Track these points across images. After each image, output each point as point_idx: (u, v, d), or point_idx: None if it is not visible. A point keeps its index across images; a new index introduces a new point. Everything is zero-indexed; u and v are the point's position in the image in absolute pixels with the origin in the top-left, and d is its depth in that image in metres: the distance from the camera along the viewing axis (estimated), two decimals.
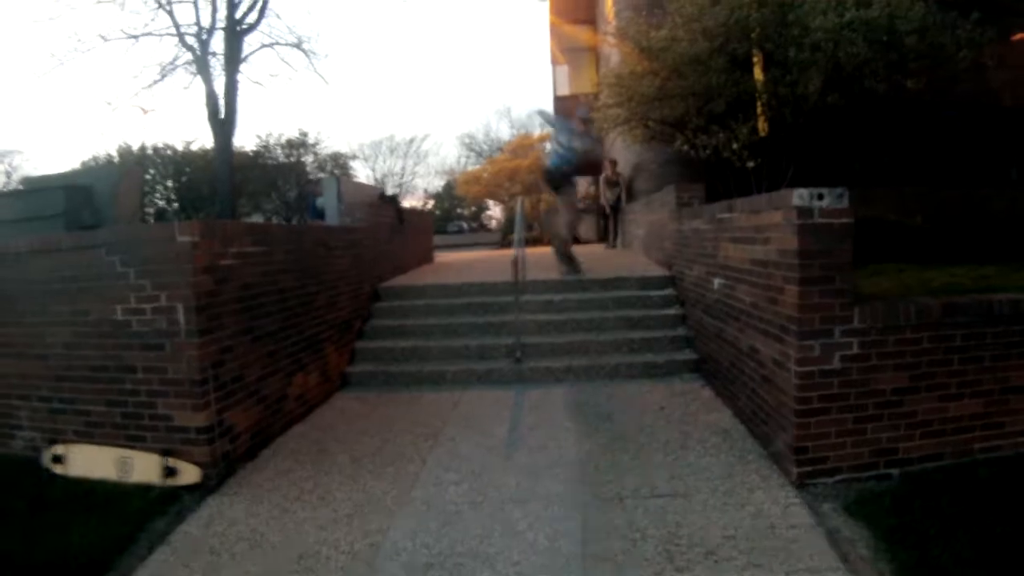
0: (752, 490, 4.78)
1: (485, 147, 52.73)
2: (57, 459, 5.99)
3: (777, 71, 9.70)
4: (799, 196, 4.65)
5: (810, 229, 4.64)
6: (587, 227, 27.85)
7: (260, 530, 4.67)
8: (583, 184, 32.57)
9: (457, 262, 15.90)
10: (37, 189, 9.34)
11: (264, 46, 26.23)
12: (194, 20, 22.38)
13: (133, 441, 5.72)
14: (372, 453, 5.99)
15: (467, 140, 56.76)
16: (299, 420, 7.04)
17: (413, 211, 17.66)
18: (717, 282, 6.75)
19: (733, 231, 6.20)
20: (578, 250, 12.58)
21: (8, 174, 45.08)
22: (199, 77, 22.19)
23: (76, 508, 5.16)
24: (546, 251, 12.80)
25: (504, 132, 52.28)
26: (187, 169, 30.75)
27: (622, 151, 16.88)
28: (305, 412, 7.23)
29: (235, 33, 22.12)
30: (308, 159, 31.18)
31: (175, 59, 22.64)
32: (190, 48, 22.06)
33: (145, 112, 27.55)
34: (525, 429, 6.37)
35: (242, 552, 4.38)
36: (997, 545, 3.80)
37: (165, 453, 5.55)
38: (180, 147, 31.56)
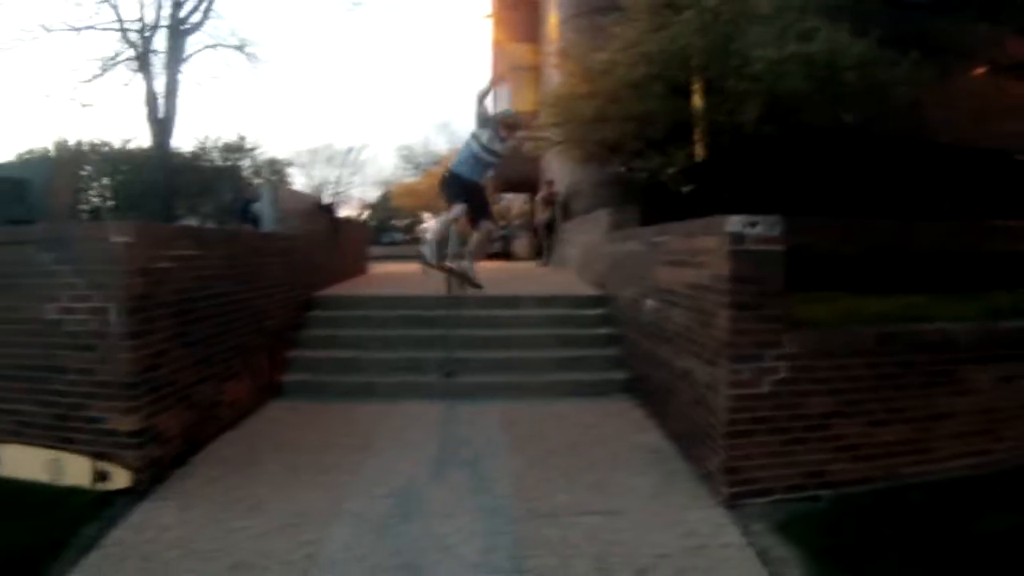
0: (684, 509, 4.82)
1: (422, 160, 52.77)
2: None
3: (716, 99, 9.89)
4: (733, 223, 4.77)
5: (743, 255, 4.76)
6: (521, 245, 27.99)
7: (193, 538, 4.60)
8: (518, 201, 32.71)
9: (392, 273, 15.87)
10: None
11: (207, 47, 25.94)
12: (138, 16, 22.07)
13: (64, 443, 5.60)
14: (305, 463, 5.95)
15: (405, 152, 56.64)
16: (231, 427, 6.96)
17: (349, 221, 17.60)
18: (650, 304, 6.86)
19: (667, 254, 6.33)
20: (512, 267, 12.67)
21: None
22: (140, 74, 21.89)
23: (5, 509, 5.08)
24: (483, 265, 12.81)
25: (442, 146, 52.26)
26: (124, 168, 30.13)
27: (559, 171, 17.04)
28: (237, 419, 7.16)
29: (178, 32, 21.87)
30: (245, 163, 30.79)
31: (117, 55, 22.20)
32: (132, 44, 21.75)
33: (84, 106, 27.05)
34: (457, 443, 6.41)
35: (175, 559, 4.31)
36: (925, 567, 3.92)
37: (96, 456, 5.46)
38: (117, 144, 30.96)
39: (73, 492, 5.32)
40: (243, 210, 10.78)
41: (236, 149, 30.79)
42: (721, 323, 4.92)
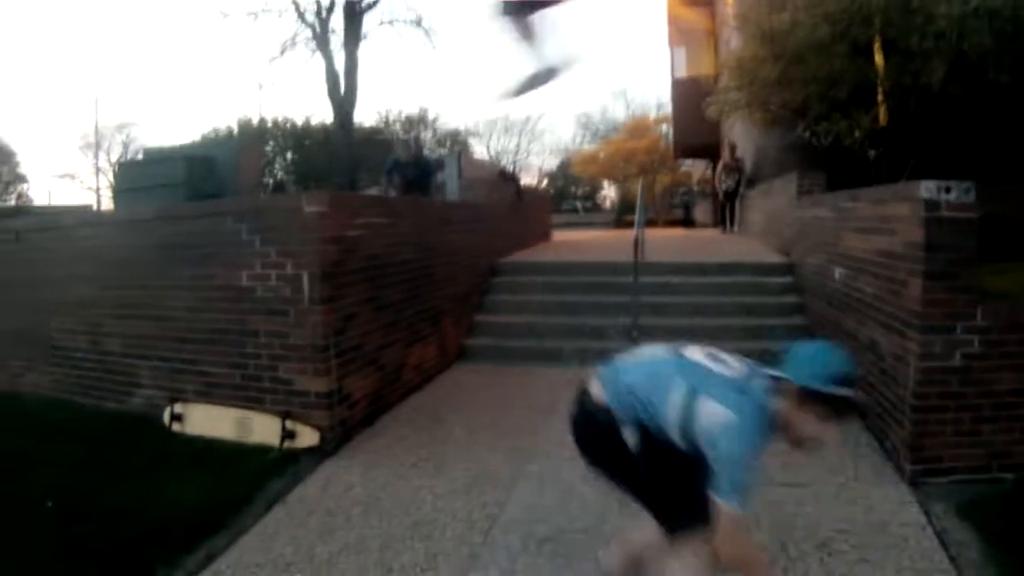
0: (866, 485, 4.73)
1: (601, 127, 52.46)
2: (176, 417, 6.23)
3: (899, 59, 9.48)
4: (927, 189, 4.59)
5: (936, 222, 4.57)
6: (703, 211, 27.60)
7: (376, 495, 4.77)
8: (699, 167, 32.19)
9: (573, 241, 15.99)
10: (158, 159, 9.73)
11: (383, 23, 26.51)
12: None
13: (252, 403, 5.90)
14: (488, 426, 6.07)
15: (583, 120, 56.46)
16: (417, 390, 7.14)
17: (531, 189, 17.70)
18: (838, 272, 6.67)
19: (856, 221, 6.14)
20: (694, 235, 12.53)
21: (126, 145, 46.83)
22: (318, 53, 22.57)
23: (194, 466, 5.36)
24: (664, 232, 12.64)
25: (620, 113, 51.76)
26: (306, 143, 31.32)
27: (741, 136, 16.66)
28: (423, 382, 7.34)
29: (354, 11, 22.42)
30: (427, 135, 31.49)
31: (295, 36, 23.04)
32: (310, 25, 22.46)
33: (261, 87, 28.29)
34: None
35: (358, 516, 4.47)
36: None
37: (284, 416, 5.68)
38: (299, 122, 32.16)
39: (260, 450, 5.58)
40: (389, 171, 10.91)
41: (417, 122, 31.51)
42: (912, 292, 4.76)
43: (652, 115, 41.23)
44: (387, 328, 6.67)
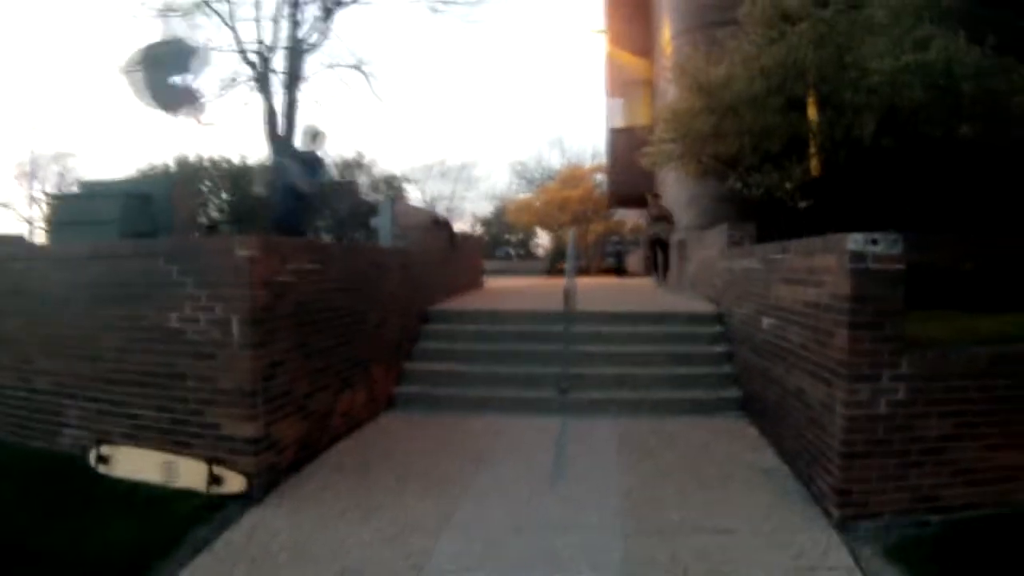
0: (795, 531, 4.75)
1: (536, 175, 53.01)
2: (103, 459, 6.10)
3: (832, 113, 9.76)
4: (854, 241, 4.70)
5: (863, 274, 4.69)
6: (636, 260, 27.88)
7: (303, 543, 4.72)
8: (632, 217, 32.56)
9: (506, 288, 16.02)
10: (94, 194, 9.56)
11: (325, 67, 26.46)
12: (257, 38, 22.63)
13: (180, 447, 5.81)
14: (417, 474, 6.03)
15: (518, 168, 57.05)
16: (344, 436, 7.09)
17: (464, 236, 17.73)
18: (766, 322, 6.78)
19: (785, 272, 6.24)
20: (626, 284, 12.64)
21: (62, 175, 46.14)
22: (258, 93, 22.49)
23: (120, 508, 5.26)
24: (596, 281, 12.69)
25: (555, 161, 52.42)
26: (242, 183, 31.09)
27: (675, 186, 16.93)
28: (351, 429, 7.28)
29: (297, 53, 22.33)
30: (363, 179, 31.50)
31: (236, 75, 22.89)
32: (251, 64, 22.34)
33: (203, 125, 28.07)
34: (569, 459, 6.40)
35: (284, 563, 4.43)
36: None
37: (211, 461, 5.61)
38: (236, 160, 31.89)
39: (187, 495, 5.48)
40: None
41: (354, 165, 31.45)
42: (839, 342, 4.87)
43: (587, 164, 41.88)
44: (316, 374, 6.61)
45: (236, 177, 30.18)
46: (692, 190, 15.38)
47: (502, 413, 7.77)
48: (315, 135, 10.23)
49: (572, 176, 38.96)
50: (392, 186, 32.18)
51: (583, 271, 24.31)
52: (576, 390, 8.01)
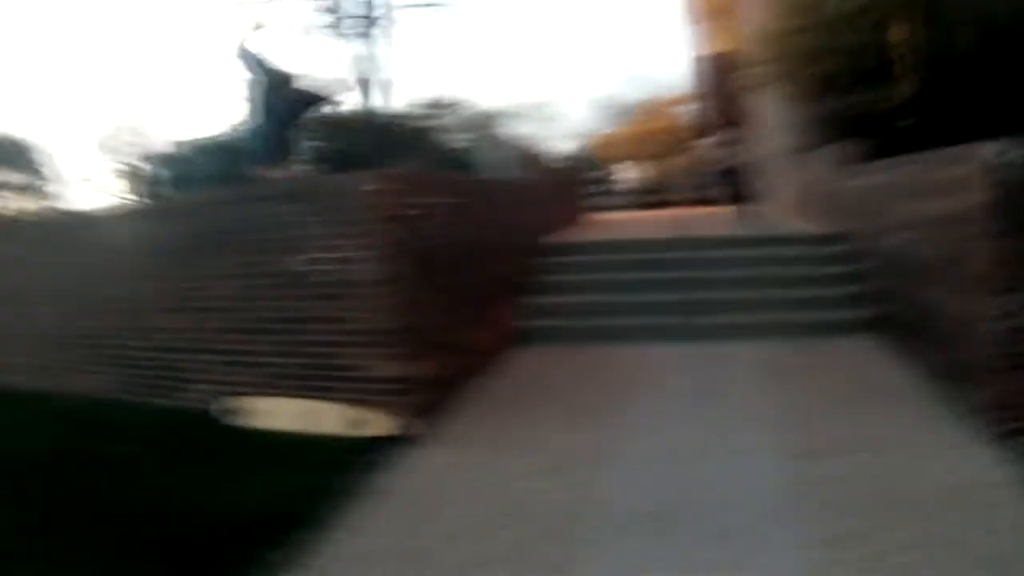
0: (948, 447, 4.65)
1: (617, 110, 52.38)
2: (235, 411, 6.09)
3: (931, 26, 9.48)
4: (990, 149, 4.60)
5: (1002, 182, 4.55)
6: (726, 189, 27.50)
7: (461, 480, 4.69)
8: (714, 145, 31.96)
9: (608, 221, 16.03)
10: (195, 150, 9.75)
11: (407, 6, 25.93)
12: None
13: (317, 392, 5.71)
14: (560, 407, 5.98)
15: (597, 104, 56.32)
16: (479, 373, 6.95)
17: (567, 170, 17.67)
18: (896, 238, 6.71)
19: (916, 186, 6.13)
20: (724, 211, 12.58)
21: (141, 145, 46.62)
22: (342, 40, 22.23)
23: (262, 460, 5.26)
24: (695, 211, 12.60)
25: (635, 95, 51.64)
26: (336, 130, 30.80)
27: (767, 109, 16.59)
28: (485, 365, 7.16)
29: None
30: (452, 120, 31.22)
31: (315, 22, 22.81)
32: (331, 10, 22.22)
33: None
34: (706, 384, 6.34)
35: (450, 500, 4.40)
36: None
37: (353, 404, 5.52)
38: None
39: (329, 441, 5.41)
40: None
41: (443, 106, 31.10)
42: (980, 254, 4.75)
43: (668, 95, 41.14)
44: (448, 310, 6.48)
45: (330, 124, 29.94)
46: (787, 113, 15.07)
47: (631, 342, 7.76)
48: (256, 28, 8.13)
49: (655, 108, 38.45)
50: (486, 125, 31.90)
51: (676, 202, 24.08)
52: (703, 315, 7.99)
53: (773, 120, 16.34)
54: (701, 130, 27.18)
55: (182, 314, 6.61)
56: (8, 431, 6.60)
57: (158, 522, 4.31)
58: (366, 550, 3.88)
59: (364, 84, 21.75)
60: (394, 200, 5.69)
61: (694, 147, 35.86)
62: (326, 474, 4.81)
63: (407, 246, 5.75)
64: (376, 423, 5.47)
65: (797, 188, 12.53)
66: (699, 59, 24.87)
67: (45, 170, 20.00)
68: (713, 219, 13.83)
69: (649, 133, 35.87)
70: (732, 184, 15.73)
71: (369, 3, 21.95)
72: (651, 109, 38.82)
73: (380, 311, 5.49)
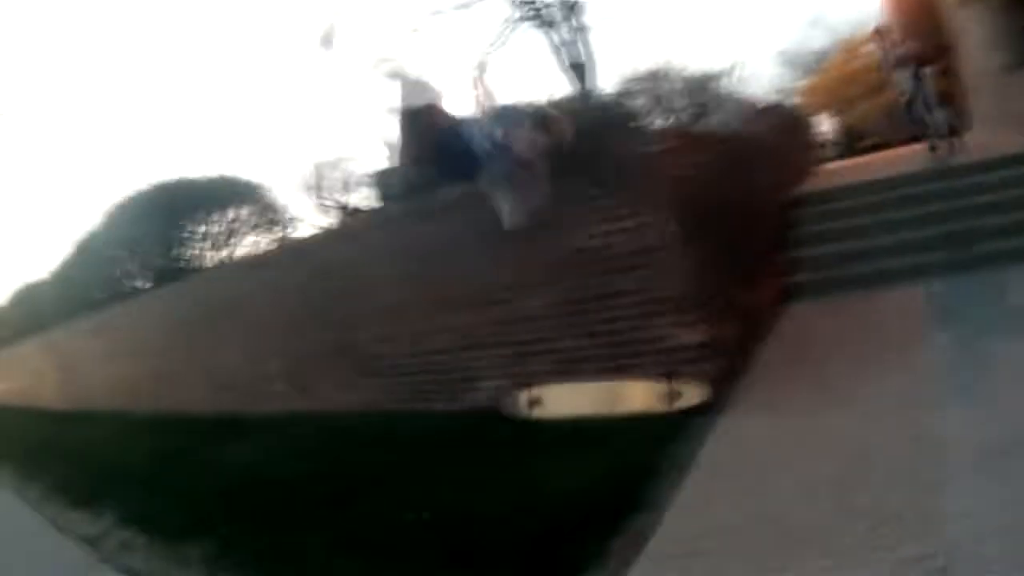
0: None
1: (803, 60, 50.41)
2: (529, 404, 6.03)
3: None
4: None
5: None
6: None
7: (780, 443, 4.57)
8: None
9: (836, 169, 16.27)
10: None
11: None
12: None
13: (618, 371, 5.61)
14: (851, 358, 5.77)
15: (785, 56, 54.21)
16: (764, 333, 6.79)
17: (789, 123, 17.53)
18: None
19: None
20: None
21: (344, 180, 47.80)
22: (540, 30, 21.74)
23: (572, 450, 5.16)
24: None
25: (818, 41, 49.43)
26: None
27: (975, 27, 15.98)
28: (768, 324, 7.00)
29: None
30: (668, 88, 30.54)
31: (517, 16, 21.83)
32: (527, 3, 21.75)
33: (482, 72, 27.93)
34: (996, 318, 6.07)
35: (776, 466, 4.30)
36: None
37: (660, 377, 5.37)
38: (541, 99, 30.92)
39: (642, 418, 5.33)
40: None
41: (659, 77, 30.54)
42: None
43: (859, 35, 39.46)
44: (731, 270, 6.35)
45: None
46: (999, 27, 14.55)
47: (902, 283, 7.53)
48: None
49: (849, 49, 37.07)
50: (702, 88, 31.19)
51: (885, 145, 23.26)
52: (970, 246, 7.70)
53: (982, 38, 15.76)
54: (898, 64, 26.11)
55: (455, 313, 6.69)
56: (299, 454, 7.05)
57: (490, 526, 4.33)
58: (710, 525, 3.79)
59: (575, 69, 21.39)
60: (680, 160, 5.76)
61: (893, 84, 34.42)
62: (644, 454, 4.74)
63: (692, 208, 5.64)
64: (687, 394, 5.35)
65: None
66: None
67: (270, 205, 21.39)
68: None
69: (846, 77, 34.56)
70: (935, 116, 13.47)
71: None
72: (844, 52, 37.44)
73: (675, 278, 5.39)
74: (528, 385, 6.14)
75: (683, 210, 5.52)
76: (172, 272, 16.81)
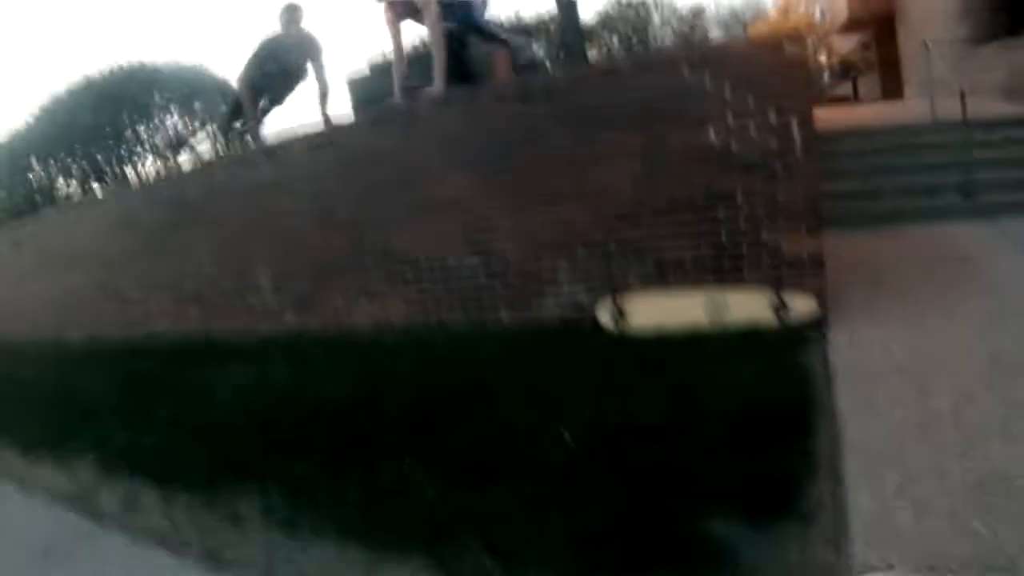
0: None
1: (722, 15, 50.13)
2: (620, 313, 5.64)
3: None
4: None
5: None
6: (869, 85, 27.00)
7: (919, 349, 4.49)
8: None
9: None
10: (408, 61, 9.73)
11: None
12: None
13: (724, 279, 5.40)
14: (910, 281, 5.88)
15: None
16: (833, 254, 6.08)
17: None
18: None
19: None
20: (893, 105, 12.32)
21: None
22: None
23: (693, 362, 4.76)
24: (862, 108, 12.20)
25: None
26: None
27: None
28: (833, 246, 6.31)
29: None
30: (655, 19, 29.86)
31: None
32: None
33: None
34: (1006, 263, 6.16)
35: (924, 368, 4.20)
36: None
37: (769, 287, 5.23)
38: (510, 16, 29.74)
39: (746, 331, 5.12)
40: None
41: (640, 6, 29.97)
42: None
43: None
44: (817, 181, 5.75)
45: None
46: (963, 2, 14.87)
47: (922, 222, 7.78)
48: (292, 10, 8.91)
49: (786, 6, 37.47)
50: (686, 22, 30.53)
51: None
52: (982, 194, 7.98)
53: (944, 8, 16.09)
54: (839, 27, 26.67)
55: (541, 209, 6.17)
56: (358, 377, 5.87)
57: (672, 437, 3.84)
58: (891, 426, 3.65)
59: None
60: (802, 64, 5.48)
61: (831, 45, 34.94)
62: (780, 364, 4.54)
63: (803, 114, 5.28)
64: (799, 305, 5.21)
65: (1005, 74, 12.51)
66: None
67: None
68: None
69: (788, 32, 34.89)
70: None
71: None
72: (784, 7, 37.80)
73: (807, 181, 5.22)
74: (617, 291, 5.75)
75: (804, 115, 5.23)
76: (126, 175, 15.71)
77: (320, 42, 9.08)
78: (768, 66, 5.20)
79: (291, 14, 8.84)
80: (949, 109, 9.13)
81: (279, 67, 8.88)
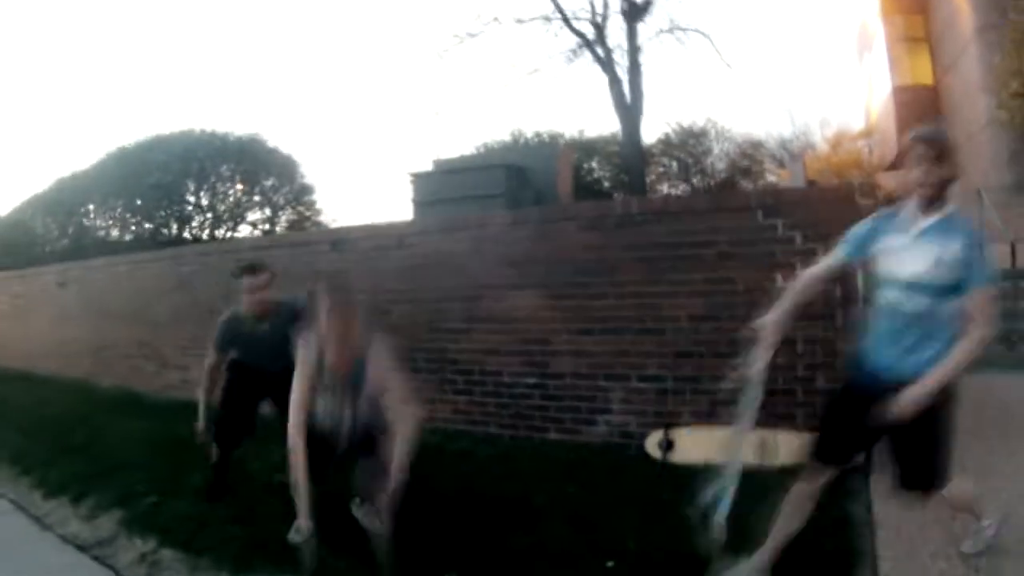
0: None
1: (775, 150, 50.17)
2: (670, 445, 5.60)
3: None
4: None
5: None
6: None
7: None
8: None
9: None
10: (472, 168, 9.73)
11: (662, 31, 23.18)
12: (588, 5, 21.83)
13: (775, 420, 5.11)
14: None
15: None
16: None
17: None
18: None
19: None
20: None
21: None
22: (597, 64, 21.85)
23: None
24: None
25: (785, 131, 49.09)
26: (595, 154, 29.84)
27: (987, 143, 16.60)
28: None
29: (633, 15, 21.53)
30: (714, 148, 29.92)
31: (577, 45, 22.18)
32: (578, 33, 21.83)
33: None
34: None
35: (940, 520, 4.09)
36: None
37: (805, 428, 4.67)
38: (574, 134, 29.48)
39: (789, 472, 4.40)
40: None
41: (702, 135, 30.22)
42: None
43: (849, 129, 39.76)
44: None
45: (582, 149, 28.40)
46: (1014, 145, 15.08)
47: None
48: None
49: (839, 140, 37.63)
50: (746, 155, 30.73)
51: None
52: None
53: (995, 153, 16.24)
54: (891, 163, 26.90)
55: (603, 336, 6.16)
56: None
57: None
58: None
59: (626, 113, 21.50)
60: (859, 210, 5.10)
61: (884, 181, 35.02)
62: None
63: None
64: None
65: None
66: (899, 89, 24.51)
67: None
68: None
69: (841, 166, 34.99)
70: None
71: (633, 31, 21.49)
72: (836, 141, 38.00)
73: (851, 333, 4.79)
74: (670, 424, 5.71)
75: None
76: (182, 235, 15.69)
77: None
78: (837, 214, 5.03)
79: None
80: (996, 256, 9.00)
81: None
